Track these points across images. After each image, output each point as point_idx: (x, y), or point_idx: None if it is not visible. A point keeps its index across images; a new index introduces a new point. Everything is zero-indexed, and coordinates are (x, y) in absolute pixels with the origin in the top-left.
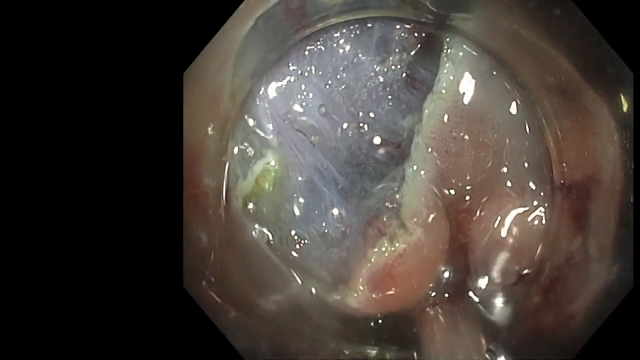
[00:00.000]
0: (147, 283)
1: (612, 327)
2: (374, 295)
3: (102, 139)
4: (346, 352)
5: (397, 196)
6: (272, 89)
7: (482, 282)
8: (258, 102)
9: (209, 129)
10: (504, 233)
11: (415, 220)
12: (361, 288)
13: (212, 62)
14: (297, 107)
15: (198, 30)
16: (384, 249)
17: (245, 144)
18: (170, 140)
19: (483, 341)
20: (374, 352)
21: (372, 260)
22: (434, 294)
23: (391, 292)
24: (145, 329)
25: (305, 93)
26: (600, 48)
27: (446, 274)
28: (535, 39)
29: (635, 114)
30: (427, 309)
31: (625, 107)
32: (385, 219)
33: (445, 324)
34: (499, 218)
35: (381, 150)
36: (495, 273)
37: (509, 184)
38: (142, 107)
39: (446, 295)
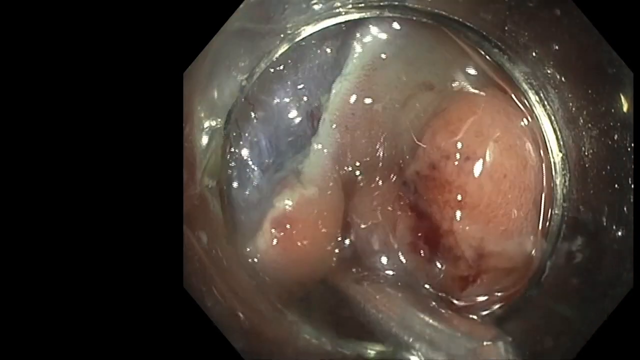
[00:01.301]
0: (148, 283)
1: (612, 327)
2: (273, 231)
3: (102, 140)
4: (347, 353)
5: (300, 166)
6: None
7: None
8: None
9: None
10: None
11: (311, 182)
12: (266, 226)
13: (209, 61)
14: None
15: (198, 31)
16: (285, 197)
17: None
18: (170, 140)
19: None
20: (373, 352)
21: (275, 205)
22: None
23: (290, 234)
24: (146, 329)
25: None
26: (600, 48)
27: (347, 241)
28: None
29: (635, 114)
30: (354, 271)
31: (625, 107)
32: (289, 179)
33: (375, 287)
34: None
35: (307, 124)
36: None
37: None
38: (142, 107)
39: (356, 270)
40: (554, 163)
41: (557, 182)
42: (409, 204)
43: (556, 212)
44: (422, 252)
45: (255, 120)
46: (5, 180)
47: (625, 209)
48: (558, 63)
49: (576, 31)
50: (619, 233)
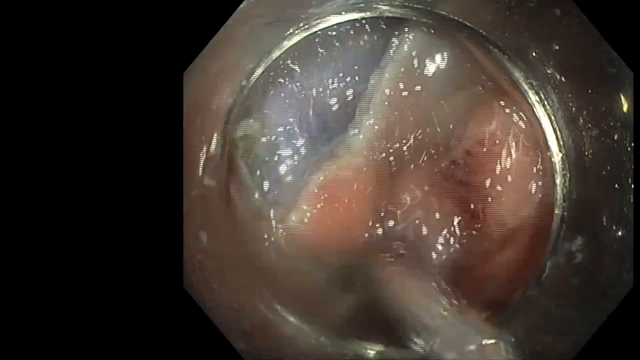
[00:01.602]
0: (148, 283)
1: (612, 327)
2: (306, 206)
3: (101, 140)
4: (347, 353)
5: (335, 150)
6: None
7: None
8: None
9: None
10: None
11: (346, 164)
12: (299, 201)
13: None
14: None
15: (198, 30)
16: (319, 176)
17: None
18: (170, 140)
19: (445, 286)
20: (373, 352)
21: (310, 183)
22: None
23: (323, 210)
24: (146, 328)
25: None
26: (600, 48)
27: (377, 225)
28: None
29: (635, 114)
30: (382, 255)
31: (625, 107)
32: (323, 161)
33: (399, 269)
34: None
35: (344, 111)
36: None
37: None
38: (142, 107)
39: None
40: (554, 163)
41: (557, 182)
42: (445, 186)
43: (556, 212)
44: (456, 228)
45: (289, 105)
46: (6, 180)
47: (625, 209)
48: (558, 63)
49: (576, 31)
50: (619, 233)
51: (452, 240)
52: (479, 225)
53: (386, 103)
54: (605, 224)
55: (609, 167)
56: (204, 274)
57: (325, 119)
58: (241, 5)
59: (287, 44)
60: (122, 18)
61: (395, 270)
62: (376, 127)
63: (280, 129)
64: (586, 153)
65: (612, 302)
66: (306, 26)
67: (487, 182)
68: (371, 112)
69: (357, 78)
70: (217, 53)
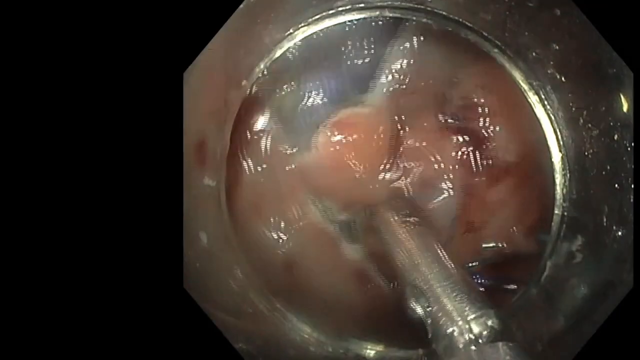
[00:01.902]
0: (148, 283)
1: (612, 327)
2: (330, 132)
3: (102, 140)
4: (347, 353)
5: (361, 98)
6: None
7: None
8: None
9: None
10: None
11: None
12: (324, 128)
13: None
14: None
15: (198, 31)
16: (344, 111)
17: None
18: (170, 140)
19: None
20: (373, 352)
21: (336, 115)
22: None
23: (344, 138)
24: (146, 329)
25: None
26: (600, 48)
27: (394, 176)
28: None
29: (635, 114)
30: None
31: (625, 107)
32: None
33: (399, 223)
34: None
35: (369, 70)
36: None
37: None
38: (143, 107)
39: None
40: (554, 163)
41: (557, 182)
42: (453, 132)
43: (556, 212)
44: (456, 173)
45: (324, 67)
46: (6, 179)
47: (625, 209)
48: (558, 63)
49: (576, 31)
50: (619, 233)
51: (451, 185)
52: (477, 168)
53: (404, 63)
54: (605, 224)
55: (609, 167)
56: (204, 274)
57: (354, 77)
58: (240, 6)
59: (287, 44)
60: (122, 19)
61: (396, 227)
62: (395, 84)
63: (318, 85)
64: (586, 153)
65: (612, 302)
66: (305, 27)
67: (482, 128)
68: (388, 72)
69: (379, 43)
70: (217, 53)
